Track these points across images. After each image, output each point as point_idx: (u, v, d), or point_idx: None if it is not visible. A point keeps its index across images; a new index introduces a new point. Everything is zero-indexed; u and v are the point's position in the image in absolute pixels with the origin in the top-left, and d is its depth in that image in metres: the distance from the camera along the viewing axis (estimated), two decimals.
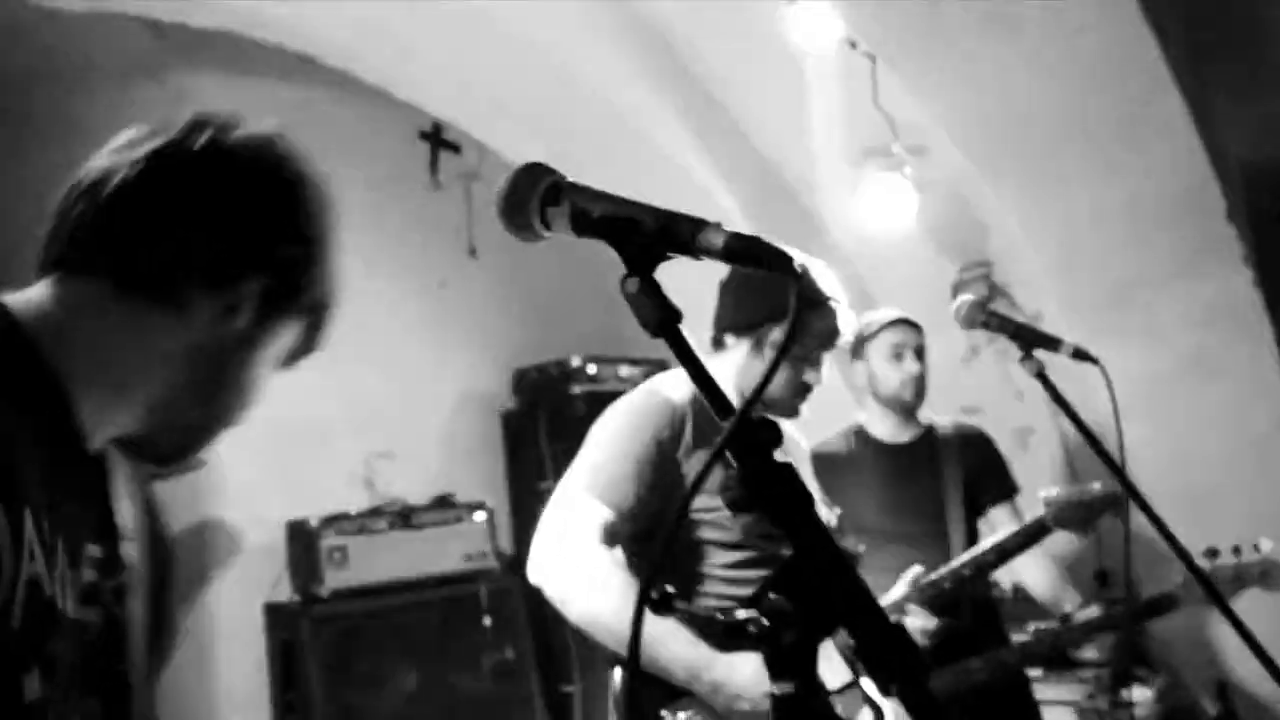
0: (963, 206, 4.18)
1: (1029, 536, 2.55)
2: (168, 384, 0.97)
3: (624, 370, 4.67)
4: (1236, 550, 2.40)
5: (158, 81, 3.81)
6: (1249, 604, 3.61)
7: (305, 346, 1.11)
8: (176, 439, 1.03)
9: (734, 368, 2.12)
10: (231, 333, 0.99)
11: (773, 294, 2.03)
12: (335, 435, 4.23)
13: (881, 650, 0.66)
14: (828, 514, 2.27)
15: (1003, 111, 3.09)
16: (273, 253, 1.00)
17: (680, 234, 0.78)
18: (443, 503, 4.07)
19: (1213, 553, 2.40)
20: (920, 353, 2.94)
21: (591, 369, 4.46)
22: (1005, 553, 2.58)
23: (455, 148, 4.91)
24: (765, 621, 0.68)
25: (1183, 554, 1.79)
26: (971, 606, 2.92)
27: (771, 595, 0.70)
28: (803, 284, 0.73)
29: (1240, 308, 3.58)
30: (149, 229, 0.94)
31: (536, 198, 0.86)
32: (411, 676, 3.63)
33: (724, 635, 0.66)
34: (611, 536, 1.91)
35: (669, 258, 0.82)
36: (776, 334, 2.04)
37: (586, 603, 1.87)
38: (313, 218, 1.04)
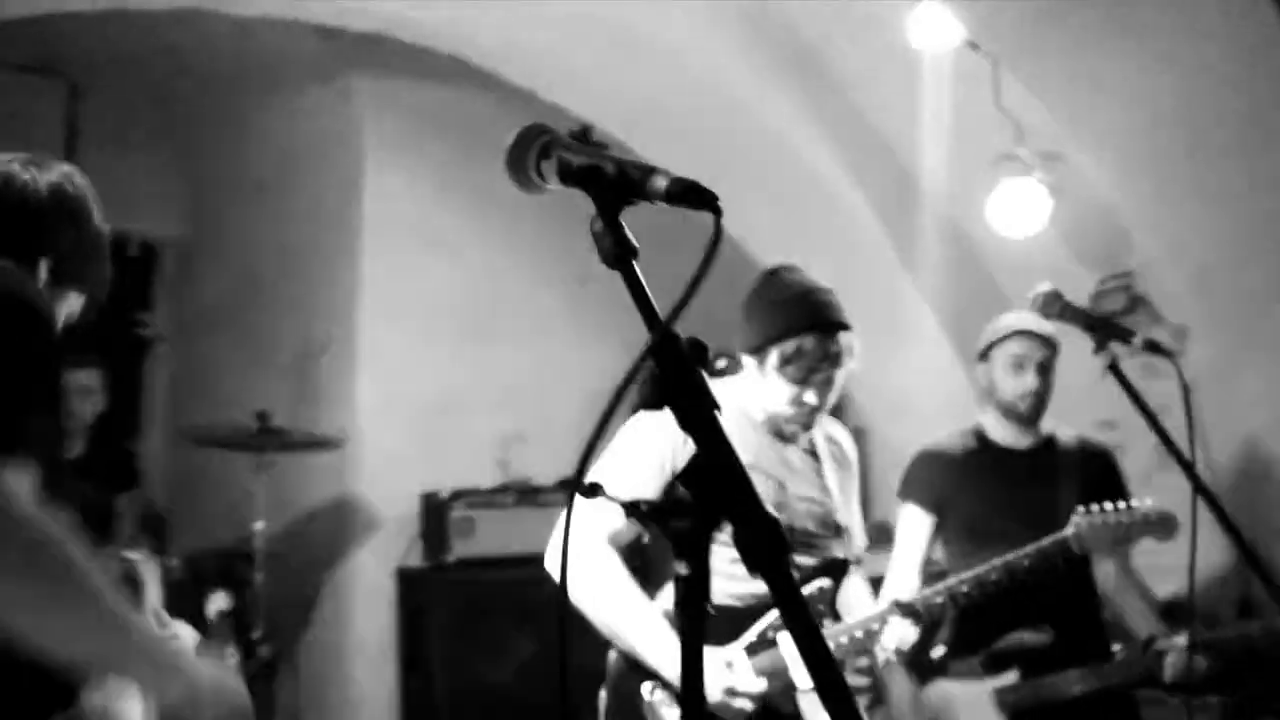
0: (1102, 214, 4.09)
1: (1046, 557, 2.47)
2: None
3: None
4: None
5: (325, 83, 4.14)
6: None
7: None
8: None
9: (744, 384, 2.27)
10: None
11: (778, 318, 2.18)
12: (473, 414, 4.48)
13: (755, 540, 0.76)
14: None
15: (1130, 117, 3.03)
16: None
17: (631, 179, 0.90)
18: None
19: None
20: (1044, 367, 2.88)
21: (721, 363, 4.56)
22: (1014, 572, 2.46)
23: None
24: (660, 505, 0.79)
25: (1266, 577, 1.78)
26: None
27: (680, 488, 0.81)
28: (718, 224, 0.82)
29: None
30: None
31: (533, 153, 0.99)
32: (527, 645, 3.82)
33: (645, 516, 0.76)
34: (616, 535, 2.09)
35: (632, 202, 0.93)
36: (775, 354, 2.16)
37: (585, 595, 2.05)
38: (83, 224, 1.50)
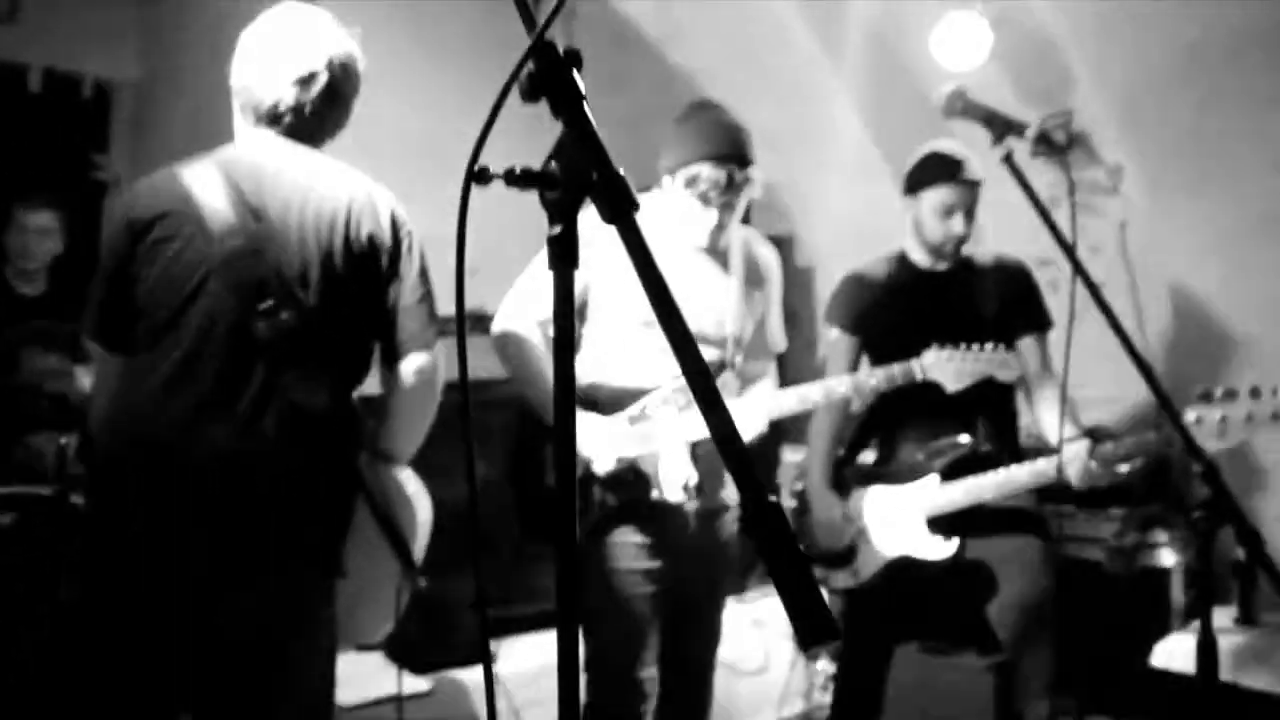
0: (1044, 51, 4.17)
1: (890, 379, 2.66)
2: None
3: None
4: (1255, 393, 2.39)
5: None
6: None
7: None
8: None
9: (663, 199, 2.50)
10: None
11: (685, 145, 2.45)
12: (427, 248, 4.56)
13: (610, 190, 0.91)
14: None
15: None
16: None
17: None
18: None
19: (1230, 394, 2.39)
20: (970, 212, 2.96)
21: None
22: (861, 390, 2.72)
23: None
24: (535, 174, 0.94)
25: (1162, 397, 1.84)
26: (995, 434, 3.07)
27: (552, 163, 0.95)
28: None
29: None
30: None
31: None
32: (482, 466, 4.00)
33: (521, 182, 0.88)
34: (546, 324, 2.50)
35: None
36: (681, 177, 2.44)
37: (508, 363, 2.54)
38: None
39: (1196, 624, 3.42)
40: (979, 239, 3.14)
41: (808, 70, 4.76)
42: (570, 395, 0.98)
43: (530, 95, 0.95)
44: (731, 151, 2.44)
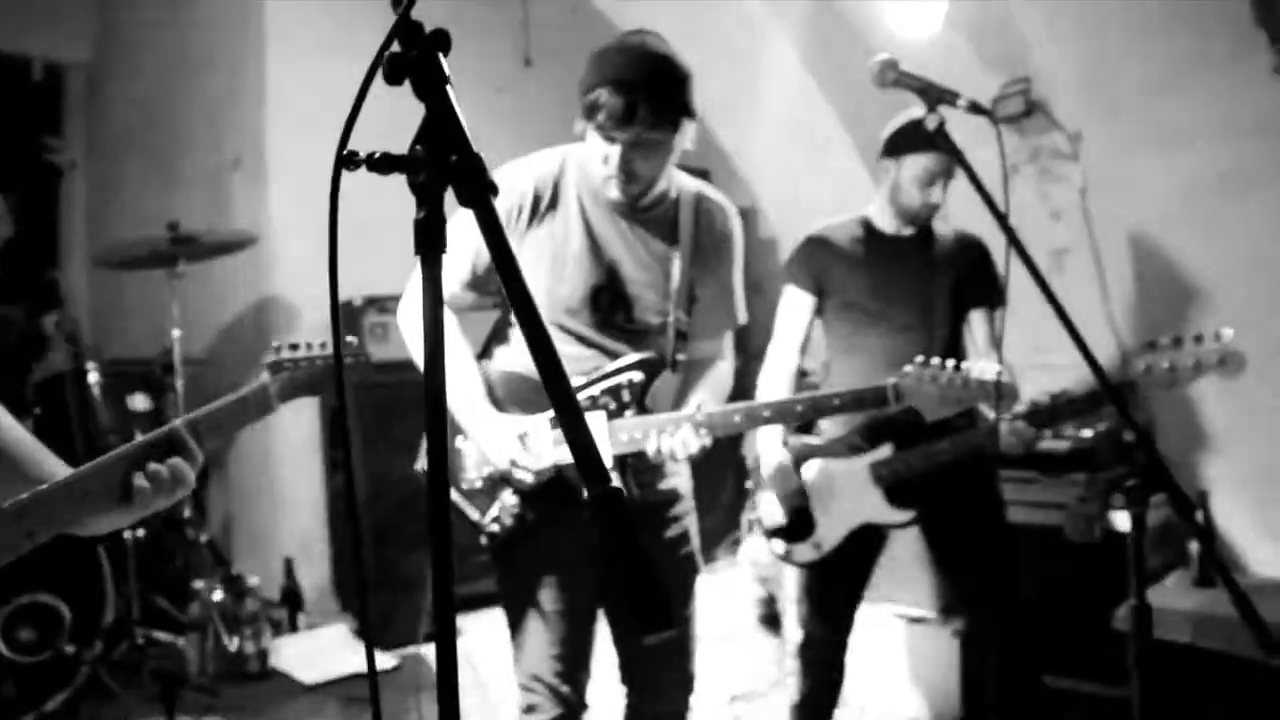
0: (1002, 18, 4.13)
1: (858, 401, 2.36)
2: None
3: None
4: (1198, 338, 2.39)
5: None
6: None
7: None
8: None
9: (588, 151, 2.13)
10: None
11: (591, 69, 2.05)
12: (384, 225, 4.53)
13: (466, 174, 0.89)
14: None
15: None
16: None
17: None
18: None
19: (1176, 341, 2.37)
20: (949, 181, 2.93)
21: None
22: (821, 409, 2.39)
23: None
24: (401, 158, 0.92)
25: (1082, 346, 1.75)
26: None
27: (417, 147, 0.93)
28: None
29: (1272, 119, 3.52)
30: None
31: None
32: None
33: (385, 166, 0.87)
34: (455, 300, 2.19)
35: None
36: (584, 106, 2.04)
37: (416, 352, 2.04)
38: None
39: (1160, 585, 3.49)
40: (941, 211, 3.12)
41: (761, 40, 4.72)
42: (441, 402, 0.97)
43: (393, 77, 0.93)
44: (637, 77, 1.99)
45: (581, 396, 2.15)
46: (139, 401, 3.88)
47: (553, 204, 2.18)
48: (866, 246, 3.06)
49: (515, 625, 2.26)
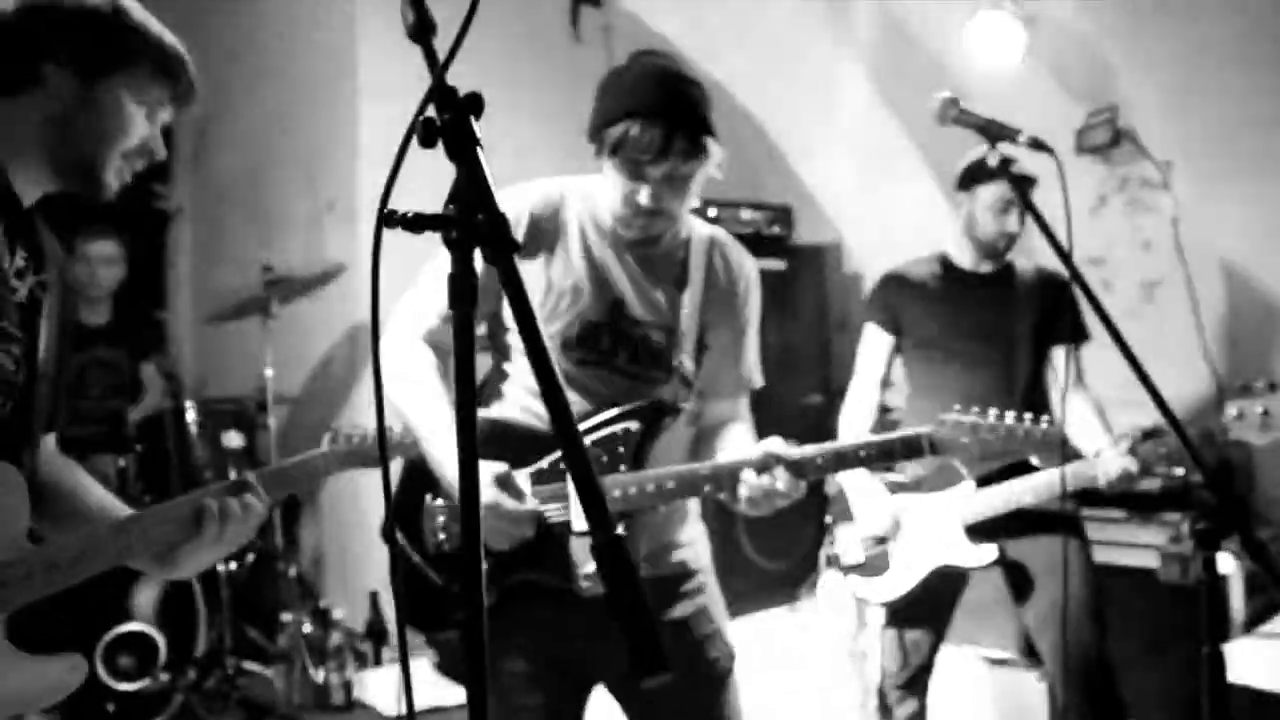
0: (1085, 47, 4.07)
1: (885, 451, 1.99)
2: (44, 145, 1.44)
3: (745, 214, 4.84)
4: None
5: None
6: None
7: (177, 93, 1.53)
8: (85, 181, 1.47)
9: (598, 182, 1.94)
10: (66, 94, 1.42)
11: (610, 100, 1.87)
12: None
13: (491, 231, 0.93)
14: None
15: None
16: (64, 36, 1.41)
17: None
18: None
19: (1272, 386, 2.30)
20: (1024, 212, 2.91)
21: (712, 212, 4.59)
22: (844, 458, 1.98)
23: (596, 2, 5.09)
24: (431, 218, 0.96)
25: (1148, 384, 1.71)
26: None
27: (449, 206, 0.97)
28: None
29: None
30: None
31: None
32: None
33: (416, 226, 0.90)
34: (435, 334, 1.91)
35: None
36: (607, 143, 1.84)
37: (392, 391, 1.86)
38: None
39: (1261, 630, 3.34)
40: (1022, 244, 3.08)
41: (842, 77, 4.72)
42: (473, 458, 0.99)
43: (426, 140, 0.97)
44: (668, 106, 1.81)
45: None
46: (233, 439, 4.04)
47: (552, 233, 1.95)
48: (944, 283, 3.05)
49: None
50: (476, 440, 0.98)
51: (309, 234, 4.97)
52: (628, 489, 1.85)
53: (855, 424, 3.09)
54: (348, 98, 4.76)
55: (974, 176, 2.96)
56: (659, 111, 1.80)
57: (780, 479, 1.83)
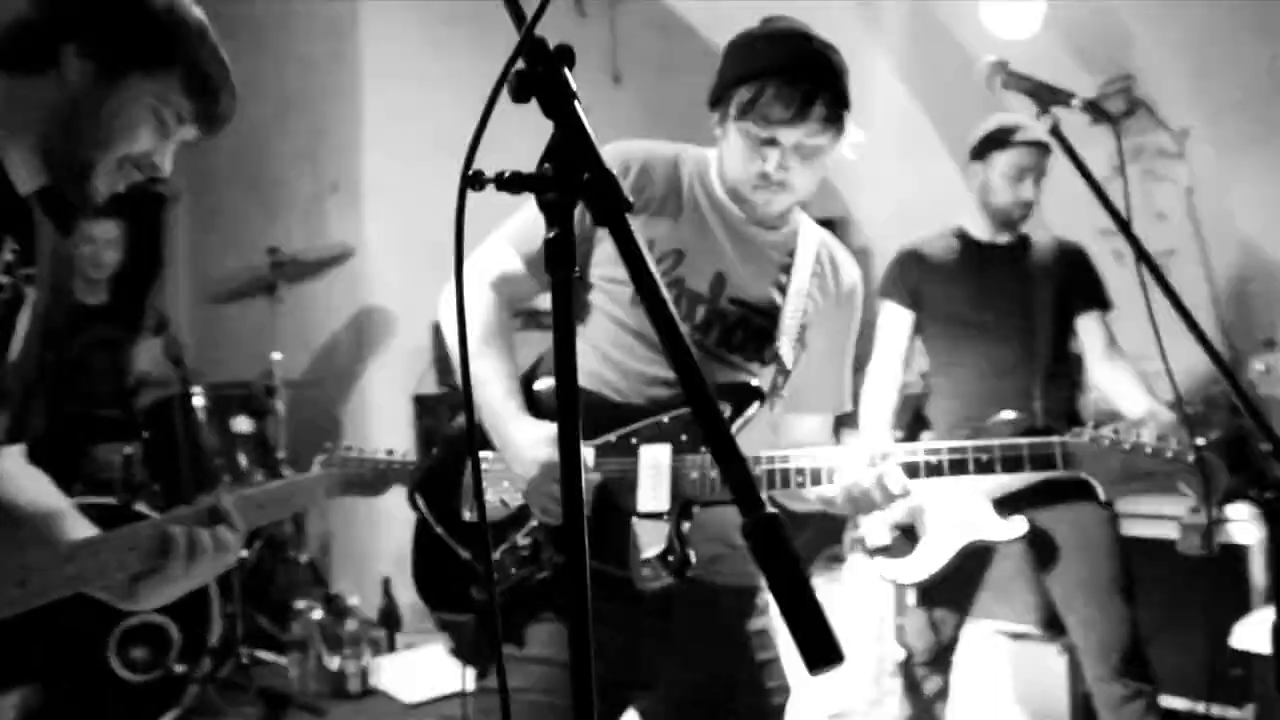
0: (1101, 15, 4.02)
1: (1017, 461, 1.70)
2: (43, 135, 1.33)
3: None
4: None
5: None
6: None
7: (206, 114, 1.43)
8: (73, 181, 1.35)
9: (716, 150, 1.83)
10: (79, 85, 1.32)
11: (740, 58, 1.74)
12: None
13: (600, 191, 0.87)
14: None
15: None
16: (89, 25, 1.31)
17: None
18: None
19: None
20: (1041, 178, 2.90)
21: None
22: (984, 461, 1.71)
23: None
24: (528, 178, 0.90)
25: (1217, 359, 1.61)
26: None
27: (545, 165, 0.91)
28: None
29: None
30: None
31: None
32: None
33: (514, 186, 0.84)
34: (507, 282, 1.80)
35: None
36: (734, 104, 1.70)
37: (450, 336, 1.79)
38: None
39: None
40: (1037, 215, 3.05)
41: (852, 46, 4.65)
42: (574, 409, 0.93)
43: (519, 95, 0.91)
44: (810, 68, 1.67)
45: (646, 423, 1.72)
46: (242, 424, 3.97)
47: (662, 190, 1.81)
48: (962, 256, 3.02)
49: None
50: (579, 416, 0.91)
51: (311, 215, 4.90)
52: (707, 471, 1.68)
53: (879, 404, 3.05)
54: (350, 77, 4.68)
55: (988, 145, 2.93)
56: (800, 70, 1.66)
57: (890, 475, 1.65)
